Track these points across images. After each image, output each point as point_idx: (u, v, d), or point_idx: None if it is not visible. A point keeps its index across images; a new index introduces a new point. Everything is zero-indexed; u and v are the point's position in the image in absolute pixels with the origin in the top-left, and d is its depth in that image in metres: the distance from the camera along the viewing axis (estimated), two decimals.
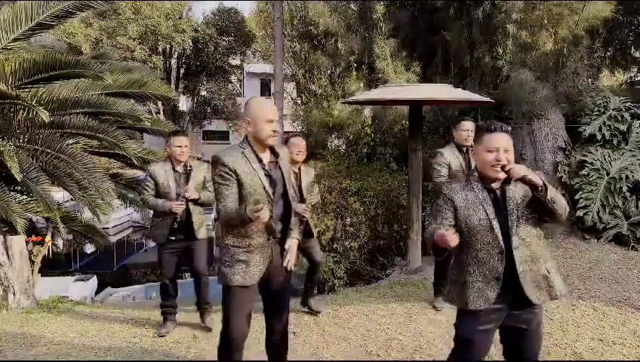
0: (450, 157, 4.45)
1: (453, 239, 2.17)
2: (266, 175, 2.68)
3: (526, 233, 2.35)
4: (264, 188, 2.65)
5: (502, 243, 2.32)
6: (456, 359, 2.50)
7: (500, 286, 2.33)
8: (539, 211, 2.34)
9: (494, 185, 2.38)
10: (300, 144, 4.37)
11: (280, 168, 2.79)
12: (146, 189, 4.17)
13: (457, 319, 2.51)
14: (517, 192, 2.36)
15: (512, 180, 2.31)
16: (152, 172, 4.19)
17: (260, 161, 2.69)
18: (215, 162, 2.63)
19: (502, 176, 2.31)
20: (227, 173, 2.59)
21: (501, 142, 2.31)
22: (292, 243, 2.79)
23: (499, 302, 2.35)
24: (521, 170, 2.25)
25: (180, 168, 4.20)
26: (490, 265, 2.34)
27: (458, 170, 4.43)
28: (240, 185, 2.62)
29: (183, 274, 7.17)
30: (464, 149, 4.48)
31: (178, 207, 4.04)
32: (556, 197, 2.27)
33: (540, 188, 2.23)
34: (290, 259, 2.76)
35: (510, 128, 2.43)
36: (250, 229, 2.65)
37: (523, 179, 2.25)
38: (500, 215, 2.34)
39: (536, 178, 2.24)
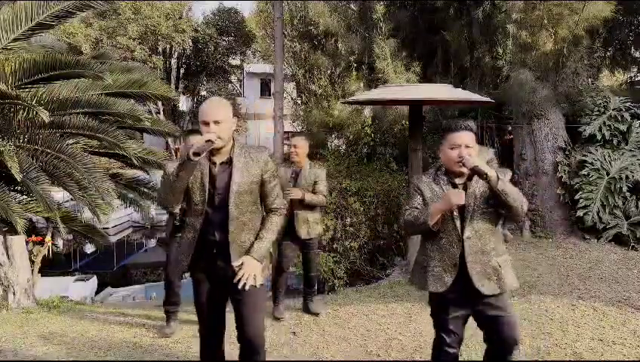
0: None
1: (458, 196, 2.39)
2: (211, 174, 2.57)
3: (480, 226, 2.51)
4: (202, 184, 2.56)
5: (460, 232, 2.51)
6: (436, 344, 2.68)
7: (456, 273, 2.52)
8: (497, 205, 2.49)
9: (458, 181, 2.56)
10: (295, 144, 4.38)
11: (230, 174, 2.56)
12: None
13: (431, 308, 2.69)
14: (477, 188, 2.52)
15: (473, 176, 2.49)
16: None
17: (210, 159, 2.58)
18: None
19: (464, 170, 2.49)
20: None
21: (462, 139, 2.49)
22: (245, 259, 2.51)
23: (457, 288, 2.51)
24: (472, 160, 2.42)
25: None
26: (449, 253, 2.53)
27: None
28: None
29: (183, 274, 7.18)
30: None
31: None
32: (508, 189, 2.41)
33: (485, 177, 2.39)
34: (242, 277, 2.48)
35: (473, 123, 2.56)
36: (186, 223, 2.66)
37: (473, 169, 2.41)
38: (462, 208, 2.50)
39: (486, 168, 2.39)
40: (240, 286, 2.48)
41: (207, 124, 2.49)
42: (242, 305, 2.58)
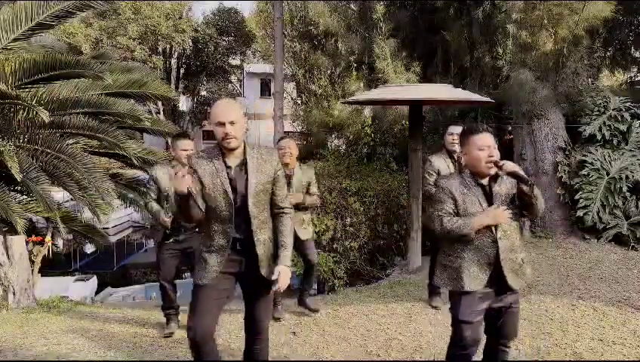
0: (438, 163, 4.47)
1: (504, 215, 2.55)
2: (228, 177, 2.61)
3: (507, 226, 2.63)
4: (225, 191, 2.60)
5: (494, 232, 2.61)
6: (458, 343, 2.70)
7: (491, 271, 2.63)
8: (520, 206, 2.65)
9: (484, 181, 2.66)
10: (285, 146, 4.34)
11: (246, 173, 2.63)
12: (149, 193, 4.16)
13: (453, 304, 2.74)
14: (502, 189, 2.65)
15: (498, 177, 2.63)
16: (155, 176, 4.14)
17: (225, 163, 2.62)
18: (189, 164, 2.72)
19: (494, 171, 2.61)
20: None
21: (490, 140, 2.61)
22: (281, 269, 2.62)
23: (488, 285, 2.64)
24: (512, 165, 2.56)
25: None
26: (484, 252, 2.63)
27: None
28: (202, 185, 2.60)
29: (183, 274, 7.18)
30: (455, 155, 4.48)
31: (166, 222, 4.00)
32: (538, 194, 2.60)
33: (528, 182, 2.55)
34: (280, 286, 2.61)
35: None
36: (212, 229, 2.64)
37: (513, 174, 2.55)
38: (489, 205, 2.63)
39: (524, 174, 2.57)
40: (275, 288, 2.63)
41: (222, 124, 2.54)
42: (262, 295, 2.74)
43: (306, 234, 4.42)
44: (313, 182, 4.47)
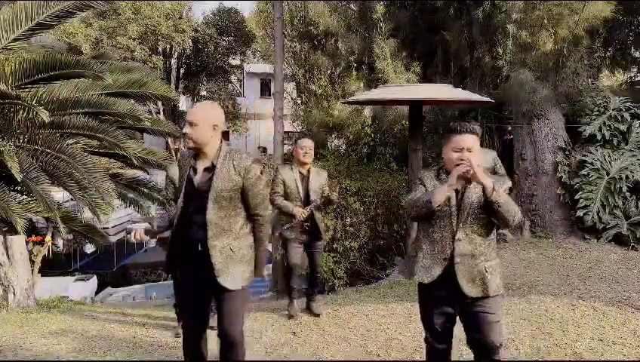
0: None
1: (463, 167, 2.42)
2: (190, 179, 2.66)
3: (473, 229, 2.54)
4: (185, 192, 2.66)
5: (455, 229, 2.54)
6: (426, 341, 2.70)
7: (444, 267, 2.54)
8: (490, 213, 2.51)
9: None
10: (305, 145, 4.36)
11: (212, 177, 2.61)
12: (167, 193, 4.12)
13: (420, 307, 2.71)
14: (475, 192, 2.54)
15: (471, 180, 2.50)
16: (171, 176, 4.06)
17: (193, 165, 2.67)
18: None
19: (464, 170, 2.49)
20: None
21: (465, 142, 2.51)
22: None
23: (444, 284, 2.54)
24: (472, 169, 2.42)
25: None
26: (440, 246, 2.56)
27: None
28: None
29: None
30: None
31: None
32: (501, 200, 2.44)
33: (489, 189, 2.43)
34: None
35: (478, 126, 2.58)
36: (175, 229, 2.71)
37: (473, 176, 2.44)
38: (459, 208, 2.55)
39: (485, 180, 2.43)
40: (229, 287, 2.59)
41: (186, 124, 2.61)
42: (225, 303, 2.65)
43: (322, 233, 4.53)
44: (329, 183, 4.56)
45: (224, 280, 2.60)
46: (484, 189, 2.44)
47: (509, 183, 2.68)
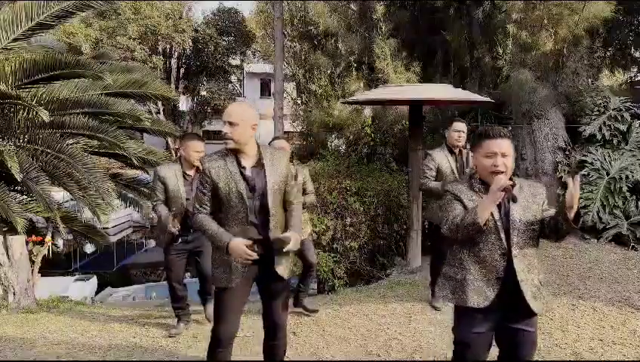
0: (439, 158, 4.44)
1: (503, 178, 2.25)
2: (243, 178, 2.70)
3: (525, 242, 2.37)
4: (239, 192, 2.66)
5: (505, 243, 2.33)
6: (456, 357, 2.52)
7: (499, 287, 2.34)
8: (550, 226, 2.38)
9: None
10: (281, 146, 4.33)
11: (264, 173, 2.72)
12: (155, 194, 4.06)
13: (455, 321, 2.53)
14: (521, 204, 2.36)
15: (514, 187, 2.32)
16: (162, 177, 4.04)
17: (239, 164, 2.71)
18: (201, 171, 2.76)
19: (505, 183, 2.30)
20: (204, 177, 2.69)
21: (499, 147, 2.33)
22: (291, 233, 2.67)
23: (496, 304, 2.34)
24: (504, 180, 2.26)
25: (191, 172, 4.09)
26: (491, 265, 2.35)
27: (447, 171, 4.41)
28: (215, 188, 2.66)
29: (184, 274, 7.18)
30: (456, 150, 4.47)
31: (173, 228, 3.90)
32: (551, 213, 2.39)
33: (514, 199, 2.29)
34: (290, 245, 2.60)
35: (510, 130, 2.46)
36: (230, 231, 2.62)
37: (505, 190, 2.26)
38: (503, 219, 2.35)
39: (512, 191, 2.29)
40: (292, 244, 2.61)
41: (224, 123, 2.64)
42: (279, 293, 2.78)
43: (304, 233, 4.35)
44: (308, 181, 4.46)
45: (282, 270, 2.72)
46: (564, 211, 2.30)
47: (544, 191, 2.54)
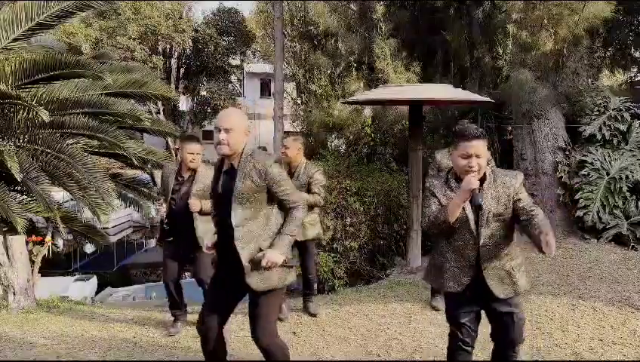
0: (441, 160, 4.46)
1: (472, 180, 2.45)
2: (216, 180, 2.82)
3: (494, 231, 2.58)
4: (212, 194, 2.84)
5: (475, 234, 2.57)
6: (451, 341, 2.78)
7: (472, 273, 2.60)
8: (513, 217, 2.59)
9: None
10: (284, 144, 4.47)
11: (234, 177, 2.68)
12: (162, 193, 4.35)
13: (445, 304, 2.81)
14: (490, 193, 2.56)
15: (484, 181, 2.56)
16: (165, 175, 4.30)
17: (219, 167, 2.81)
18: None
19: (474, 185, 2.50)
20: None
21: (474, 148, 2.50)
22: (267, 252, 2.60)
23: (473, 287, 2.61)
24: (473, 181, 2.46)
25: (185, 174, 4.17)
26: (465, 254, 2.61)
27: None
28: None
29: (184, 274, 7.18)
30: None
31: (161, 209, 4.17)
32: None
33: (477, 204, 2.50)
34: (266, 262, 2.56)
35: (482, 132, 2.59)
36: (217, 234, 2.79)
37: (472, 193, 2.49)
38: (475, 211, 2.57)
39: (476, 194, 2.51)
40: (264, 263, 2.54)
41: (219, 130, 2.61)
42: (253, 310, 2.72)
43: (301, 236, 4.30)
44: (315, 181, 4.37)
45: (255, 282, 2.63)
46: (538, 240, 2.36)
47: (522, 176, 2.66)
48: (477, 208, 2.50)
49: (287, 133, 10.04)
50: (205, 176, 4.02)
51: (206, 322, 2.77)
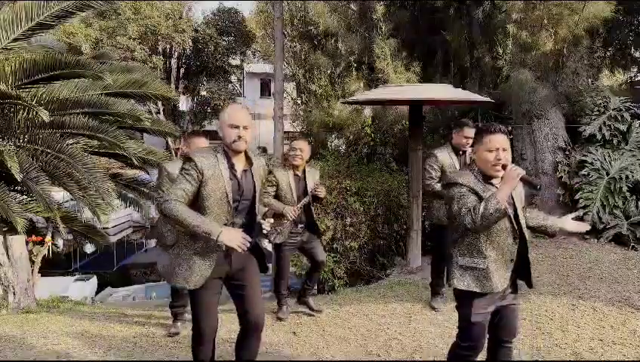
0: (443, 158, 4.41)
1: (517, 168, 2.50)
2: (231, 180, 2.65)
3: (524, 224, 2.68)
4: (226, 194, 2.62)
5: (516, 227, 2.61)
6: (465, 344, 2.68)
7: (512, 268, 2.64)
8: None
9: (495, 182, 2.60)
10: (298, 147, 4.29)
11: (253, 178, 2.74)
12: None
13: (464, 304, 2.65)
14: (518, 190, 2.67)
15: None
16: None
17: (232, 166, 2.67)
18: (186, 159, 2.65)
19: (501, 173, 2.54)
20: (193, 169, 2.58)
21: (500, 142, 2.53)
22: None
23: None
24: (519, 170, 2.51)
25: None
26: (505, 249, 2.60)
27: (452, 171, 4.39)
28: (203, 184, 2.58)
29: None
30: (460, 151, 4.45)
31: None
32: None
33: (537, 187, 2.65)
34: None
35: (508, 128, 2.61)
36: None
37: (523, 179, 2.52)
38: (513, 206, 2.61)
39: (533, 178, 2.72)
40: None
41: (237, 127, 2.61)
42: (247, 287, 2.76)
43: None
44: (320, 191, 4.37)
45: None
46: (530, 187, 2.65)
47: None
48: (536, 189, 2.62)
49: (288, 133, 10.05)
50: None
51: (212, 325, 2.75)
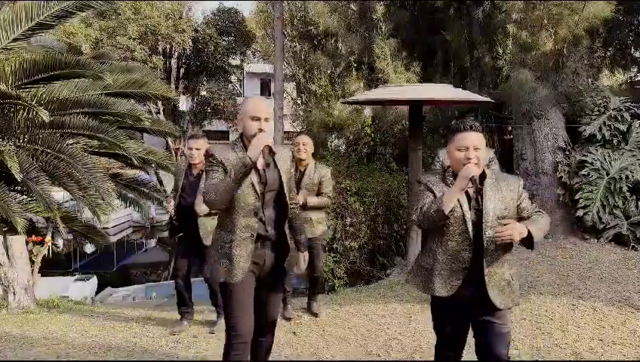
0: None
1: (472, 167, 2.31)
2: (256, 172, 2.61)
3: (496, 236, 2.34)
4: (252, 184, 2.59)
5: (471, 235, 2.37)
6: (437, 348, 2.65)
7: (464, 277, 2.40)
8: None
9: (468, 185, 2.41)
10: (299, 141, 4.32)
11: (277, 168, 2.70)
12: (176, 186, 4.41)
13: (431, 311, 2.65)
14: (497, 197, 2.40)
15: (485, 179, 2.42)
16: (179, 171, 4.33)
17: (187, 170, 2.75)
18: (206, 157, 2.66)
19: (476, 173, 2.35)
20: (216, 163, 2.57)
21: (472, 140, 2.37)
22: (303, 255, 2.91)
23: (464, 293, 2.41)
24: (475, 169, 2.33)
25: (195, 171, 4.16)
26: (458, 255, 2.40)
27: None
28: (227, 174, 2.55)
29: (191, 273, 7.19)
30: None
31: (168, 206, 4.33)
32: (540, 237, 2.37)
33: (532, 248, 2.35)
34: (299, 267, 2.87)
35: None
36: (235, 224, 2.60)
37: (472, 180, 2.33)
38: (474, 211, 2.40)
39: (521, 231, 2.30)
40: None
41: (258, 119, 2.60)
42: (272, 296, 2.82)
43: (310, 233, 4.30)
44: (326, 181, 4.36)
45: (287, 263, 2.80)
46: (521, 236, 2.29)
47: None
48: (472, 182, 2.33)
49: (288, 133, 10.06)
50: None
51: (249, 324, 2.66)
